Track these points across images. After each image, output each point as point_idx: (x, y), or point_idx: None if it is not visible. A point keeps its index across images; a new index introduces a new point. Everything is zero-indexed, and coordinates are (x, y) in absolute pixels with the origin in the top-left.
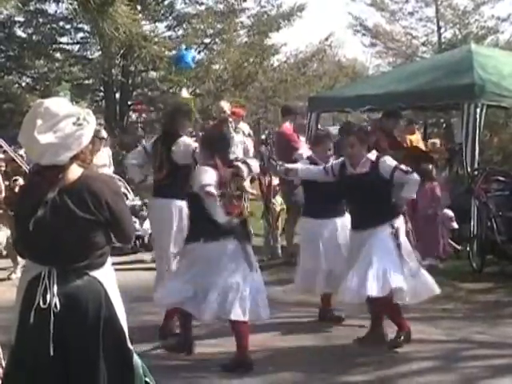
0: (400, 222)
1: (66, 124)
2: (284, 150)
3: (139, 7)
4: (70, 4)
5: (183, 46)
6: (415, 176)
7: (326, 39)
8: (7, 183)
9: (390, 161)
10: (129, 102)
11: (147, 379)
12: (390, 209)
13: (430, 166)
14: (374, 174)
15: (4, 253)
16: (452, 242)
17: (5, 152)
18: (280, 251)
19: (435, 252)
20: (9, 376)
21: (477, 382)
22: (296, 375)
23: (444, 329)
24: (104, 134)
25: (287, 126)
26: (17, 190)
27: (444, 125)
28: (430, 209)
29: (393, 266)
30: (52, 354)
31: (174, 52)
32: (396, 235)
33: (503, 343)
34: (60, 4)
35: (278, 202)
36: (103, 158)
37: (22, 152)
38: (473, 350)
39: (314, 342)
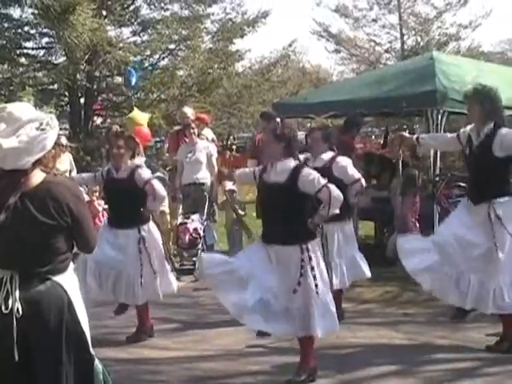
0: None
1: (29, 129)
2: None
3: (104, 12)
4: (32, 13)
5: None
6: (340, 196)
7: (290, 45)
8: None
9: (312, 175)
10: (94, 107)
11: None
12: (302, 228)
13: (416, 172)
14: (289, 185)
15: None
16: None
17: None
18: None
19: None
20: None
21: None
22: (258, 378)
23: (405, 333)
24: (64, 140)
25: None
26: None
27: (407, 131)
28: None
29: None
30: (16, 359)
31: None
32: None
33: (464, 347)
34: (25, 9)
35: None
36: (65, 164)
37: None
38: (434, 353)
39: (278, 345)
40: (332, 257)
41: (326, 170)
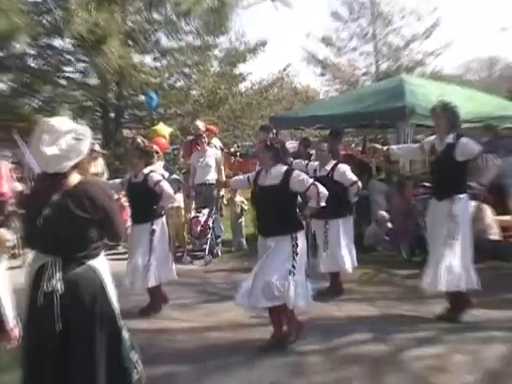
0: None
1: (67, 138)
2: None
3: (130, 42)
4: (71, 43)
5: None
6: (325, 192)
7: (284, 69)
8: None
9: (301, 176)
10: (121, 121)
11: (132, 354)
12: (292, 221)
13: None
14: (282, 186)
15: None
16: (387, 237)
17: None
18: (244, 243)
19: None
20: (22, 349)
21: (407, 351)
22: (259, 344)
23: (380, 307)
24: (97, 147)
25: None
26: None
27: (381, 140)
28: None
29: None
30: (57, 330)
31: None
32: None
33: (428, 318)
34: (65, 39)
35: (239, 202)
36: (98, 167)
37: None
38: (403, 324)
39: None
40: (339, 246)
41: (328, 177)
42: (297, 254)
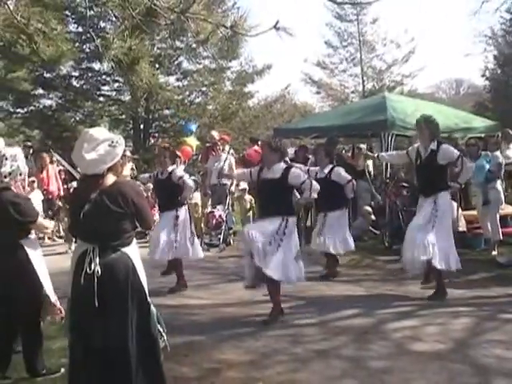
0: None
1: (104, 146)
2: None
3: (157, 65)
4: (111, 66)
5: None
6: (317, 186)
7: (286, 88)
8: (65, 186)
9: (297, 172)
10: (150, 131)
11: (159, 326)
12: (284, 206)
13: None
14: (281, 180)
15: (63, 234)
16: (372, 229)
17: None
18: None
19: None
20: (67, 320)
21: (388, 323)
22: (262, 318)
23: (366, 287)
24: (128, 153)
25: (255, 148)
26: (71, 191)
27: (369, 147)
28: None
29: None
30: (96, 305)
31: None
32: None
33: (406, 296)
34: (103, 63)
35: (248, 199)
36: (128, 170)
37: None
38: (385, 301)
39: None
40: (334, 234)
41: (326, 179)
42: (284, 233)
